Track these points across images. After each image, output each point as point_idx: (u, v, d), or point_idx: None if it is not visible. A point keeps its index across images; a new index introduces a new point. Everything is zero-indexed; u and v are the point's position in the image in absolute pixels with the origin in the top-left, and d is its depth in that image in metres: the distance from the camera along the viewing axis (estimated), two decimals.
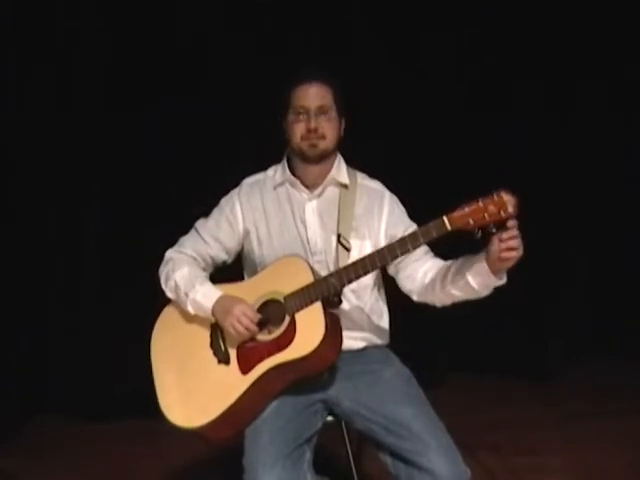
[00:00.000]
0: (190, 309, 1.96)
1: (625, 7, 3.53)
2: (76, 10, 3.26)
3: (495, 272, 1.77)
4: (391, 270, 2.03)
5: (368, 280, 2.01)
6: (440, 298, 1.94)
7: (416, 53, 3.47)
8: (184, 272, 1.99)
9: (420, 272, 1.96)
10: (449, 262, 1.91)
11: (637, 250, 3.83)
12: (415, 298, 2.01)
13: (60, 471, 2.90)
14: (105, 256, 3.39)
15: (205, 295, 1.93)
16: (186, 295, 1.95)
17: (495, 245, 1.71)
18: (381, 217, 2.03)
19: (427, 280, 1.95)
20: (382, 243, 1.97)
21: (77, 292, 3.43)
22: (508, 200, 1.69)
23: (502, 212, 1.69)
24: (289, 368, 1.82)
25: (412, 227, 2.01)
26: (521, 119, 3.59)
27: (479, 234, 1.74)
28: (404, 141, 3.43)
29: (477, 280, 1.80)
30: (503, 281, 1.81)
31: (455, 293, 1.88)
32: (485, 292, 1.84)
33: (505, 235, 1.69)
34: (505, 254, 1.70)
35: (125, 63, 3.29)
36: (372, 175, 2.12)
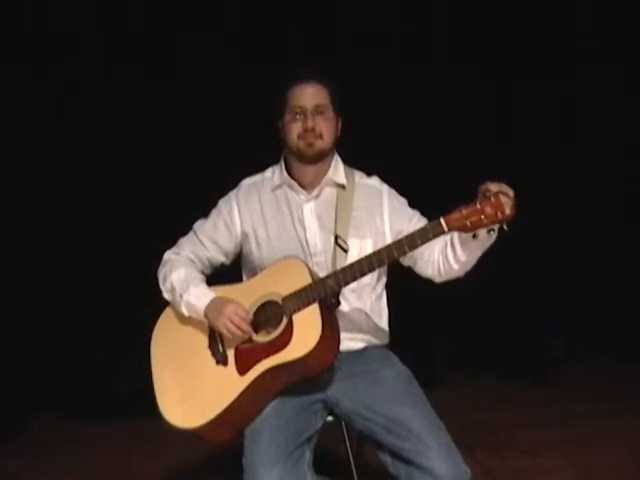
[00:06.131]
0: (184, 310, 1.97)
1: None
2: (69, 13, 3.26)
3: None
4: (406, 262, 2.04)
5: (368, 279, 2.00)
6: (460, 268, 1.94)
7: (412, 51, 3.46)
8: (180, 274, 2.00)
9: (436, 255, 1.97)
10: (449, 235, 1.89)
11: (637, 250, 3.83)
12: (437, 280, 2.02)
13: (60, 471, 2.90)
14: (105, 256, 3.39)
15: (198, 297, 1.94)
16: (180, 297, 1.96)
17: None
18: (383, 215, 2.03)
19: (442, 261, 1.95)
20: (389, 239, 1.98)
21: (77, 292, 3.43)
22: (505, 202, 1.68)
23: (499, 214, 1.68)
24: (286, 369, 1.82)
25: (415, 216, 2.03)
26: (521, 118, 3.59)
27: (476, 235, 1.75)
28: (402, 141, 3.43)
29: (481, 234, 1.77)
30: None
31: (469, 259, 1.89)
32: (493, 237, 1.80)
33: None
34: None
35: (121, 65, 3.28)
36: (370, 172, 2.12)
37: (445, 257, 1.94)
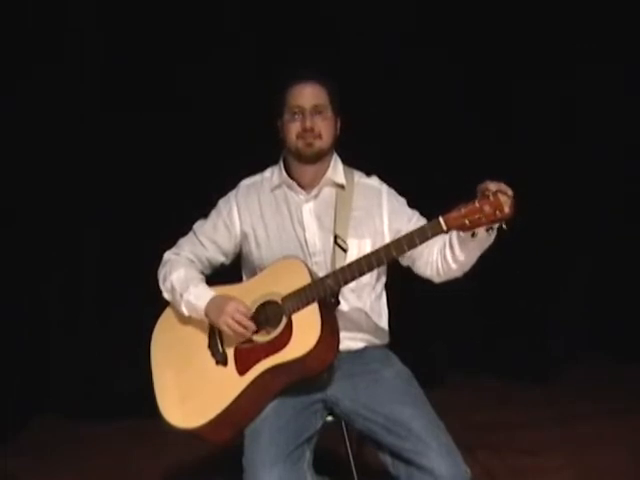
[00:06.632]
0: (184, 310, 1.97)
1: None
2: (71, 11, 3.26)
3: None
4: (404, 262, 2.04)
5: (367, 279, 2.01)
6: (459, 270, 1.95)
7: (412, 51, 3.46)
8: (180, 274, 2.00)
9: (435, 255, 1.97)
10: (447, 235, 1.90)
11: (637, 250, 3.83)
12: (436, 281, 2.02)
13: (60, 471, 2.90)
14: (105, 256, 3.39)
15: (198, 296, 1.94)
16: (181, 296, 1.96)
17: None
18: (382, 214, 2.04)
19: (441, 261, 1.95)
20: (387, 239, 1.98)
21: (77, 292, 3.43)
22: (504, 201, 1.68)
23: (498, 212, 1.69)
24: (285, 369, 1.83)
25: (414, 216, 2.03)
26: (521, 118, 3.59)
27: (475, 234, 1.74)
28: (401, 141, 3.43)
29: (480, 233, 1.78)
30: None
31: (468, 259, 1.90)
32: (492, 237, 1.82)
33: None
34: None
35: (121, 65, 3.28)
36: (369, 172, 2.12)
37: (444, 257, 1.94)
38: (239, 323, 1.86)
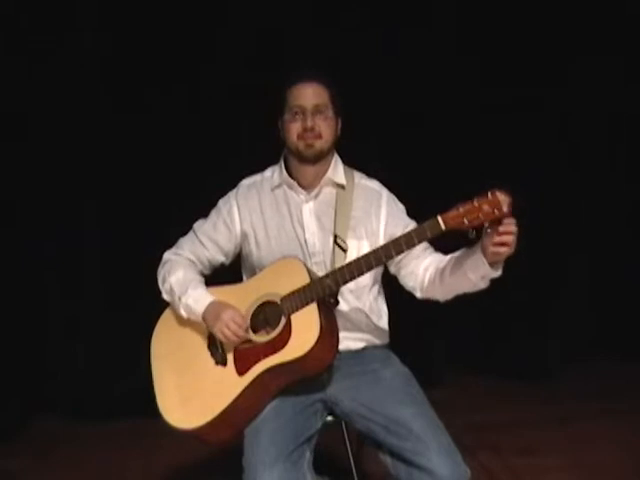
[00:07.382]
0: (183, 313, 1.97)
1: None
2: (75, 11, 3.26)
3: (491, 264, 1.77)
4: (392, 269, 2.04)
5: (366, 280, 2.00)
6: (442, 292, 1.95)
7: (414, 50, 3.46)
8: (179, 275, 2.00)
9: (421, 269, 1.97)
10: (448, 256, 1.93)
11: (637, 249, 3.83)
12: (418, 295, 2.02)
13: (60, 471, 2.90)
14: (105, 257, 3.39)
15: (197, 300, 1.94)
16: (179, 299, 1.96)
17: (489, 238, 1.71)
18: (379, 217, 2.03)
19: (428, 276, 1.96)
20: (381, 242, 1.97)
21: (77, 292, 3.43)
22: (502, 199, 1.68)
23: (496, 211, 1.68)
24: (285, 369, 1.82)
25: (411, 225, 2.02)
26: (519, 117, 3.59)
27: (473, 234, 1.74)
28: (400, 140, 3.43)
29: (474, 272, 1.81)
30: (498, 273, 1.81)
31: (455, 286, 1.90)
32: (482, 284, 1.84)
33: (501, 229, 1.69)
34: (496, 248, 1.71)
35: (121, 64, 3.28)
36: (369, 173, 2.11)
37: (432, 274, 1.94)
38: (234, 333, 1.86)
